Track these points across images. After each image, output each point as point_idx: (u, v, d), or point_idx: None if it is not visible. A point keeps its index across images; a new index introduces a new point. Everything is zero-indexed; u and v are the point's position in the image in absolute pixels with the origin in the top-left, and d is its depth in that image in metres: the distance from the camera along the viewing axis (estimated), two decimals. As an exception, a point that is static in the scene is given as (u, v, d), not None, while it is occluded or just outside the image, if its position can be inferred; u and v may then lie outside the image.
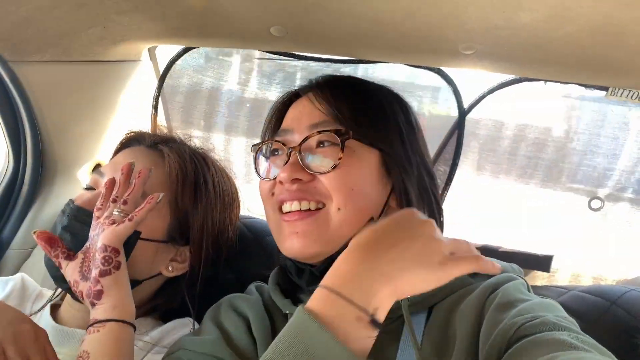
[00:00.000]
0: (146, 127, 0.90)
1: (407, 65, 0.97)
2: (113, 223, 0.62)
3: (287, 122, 0.65)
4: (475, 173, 1.14)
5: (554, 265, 0.97)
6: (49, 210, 1.06)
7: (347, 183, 0.58)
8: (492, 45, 0.72)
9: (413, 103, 0.70)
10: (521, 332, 0.46)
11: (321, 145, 0.60)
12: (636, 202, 1.06)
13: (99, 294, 0.59)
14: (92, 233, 0.64)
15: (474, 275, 0.59)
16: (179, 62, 1.21)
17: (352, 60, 1.00)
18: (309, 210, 0.58)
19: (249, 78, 1.30)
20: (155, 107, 1.23)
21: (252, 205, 0.97)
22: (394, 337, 0.55)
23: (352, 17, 0.71)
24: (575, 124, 1.06)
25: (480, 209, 1.16)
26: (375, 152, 0.60)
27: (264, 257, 0.88)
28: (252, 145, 0.67)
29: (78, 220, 0.68)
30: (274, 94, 1.26)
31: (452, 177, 1.09)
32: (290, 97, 0.68)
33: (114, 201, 0.65)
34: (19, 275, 0.83)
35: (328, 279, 0.43)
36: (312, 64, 1.08)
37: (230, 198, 0.82)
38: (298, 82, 0.97)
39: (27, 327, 0.58)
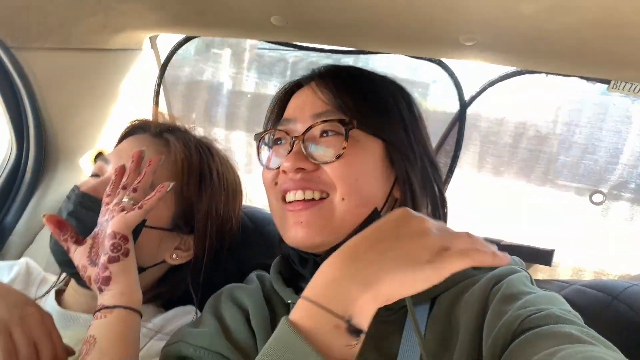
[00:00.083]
0: (147, 116, 0.90)
1: (408, 56, 0.96)
2: (122, 210, 0.62)
3: (289, 111, 0.65)
4: (475, 167, 1.14)
5: (555, 259, 0.97)
6: (52, 197, 1.07)
7: (352, 173, 0.57)
8: (493, 37, 0.72)
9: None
10: (526, 324, 0.46)
11: (325, 135, 0.59)
12: (638, 197, 1.05)
13: (107, 280, 0.60)
14: (101, 219, 0.64)
15: (476, 267, 0.58)
16: (179, 51, 1.21)
17: (353, 51, 1.00)
18: (313, 200, 0.58)
19: (250, 67, 1.30)
20: (157, 96, 1.23)
21: (253, 195, 0.97)
22: (397, 328, 0.55)
23: (352, 6, 0.71)
24: (577, 118, 1.05)
25: (480, 204, 1.16)
26: (378, 142, 0.60)
27: (264, 247, 0.88)
28: (255, 135, 0.67)
29: (84, 207, 0.68)
30: (272, 88, 1.26)
31: (453, 170, 1.09)
32: (292, 87, 0.68)
33: (124, 188, 0.65)
34: (23, 260, 0.83)
35: (308, 288, 0.41)
36: (312, 54, 1.08)
37: (234, 188, 0.83)
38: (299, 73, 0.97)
39: (33, 310, 0.58)
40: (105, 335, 0.57)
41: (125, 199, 0.64)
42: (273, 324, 0.61)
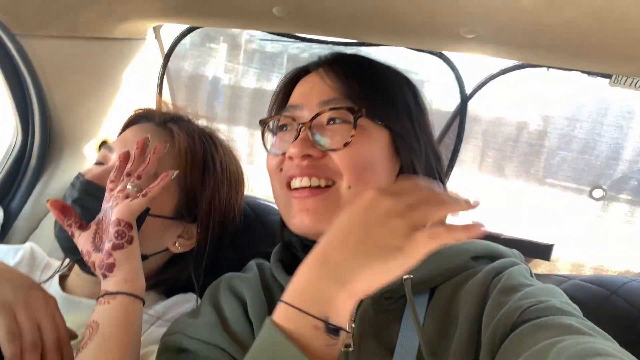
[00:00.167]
0: (151, 106, 0.91)
1: (409, 48, 0.96)
2: (127, 197, 0.63)
3: (295, 97, 0.64)
4: (475, 161, 1.14)
5: (554, 255, 0.98)
6: (56, 184, 1.08)
7: (359, 161, 0.57)
8: (493, 30, 0.72)
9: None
10: (526, 315, 0.46)
11: (332, 122, 0.59)
12: (639, 193, 1.05)
13: (111, 267, 0.60)
14: (105, 205, 0.65)
15: (476, 258, 0.59)
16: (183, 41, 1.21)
17: (354, 43, 1.00)
18: (319, 187, 0.57)
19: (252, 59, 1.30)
20: (160, 86, 1.24)
21: (255, 186, 0.98)
22: (396, 317, 0.55)
23: (353, -3, 0.71)
24: (578, 113, 1.05)
25: (479, 199, 1.15)
26: (385, 132, 0.59)
27: (266, 236, 0.89)
28: (260, 120, 0.66)
29: (88, 194, 0.69)
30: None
31: (454, 164, 1.09)
32: (298, 72, 0.67)
33: (128, 175, 0.65)
34: (28, 244, 0.84)
35: (286, 292, 0.42)
36: (314, 45, 1.08)
37: (236, 178, 0.83)
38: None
39: (38, 293, 0.59)
40: (108, 321, 0.58)
41: (129, 186, 0.64)
42: (270, 313, 0.61)
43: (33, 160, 1.05)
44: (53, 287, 0.75)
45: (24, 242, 0.93)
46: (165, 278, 0.79)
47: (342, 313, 0.41)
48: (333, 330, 0.40)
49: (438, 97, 1.07)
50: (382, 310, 0.56)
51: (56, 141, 1.07)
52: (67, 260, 0.79)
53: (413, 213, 0.40)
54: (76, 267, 0.76)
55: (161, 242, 0.75)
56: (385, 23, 0.80)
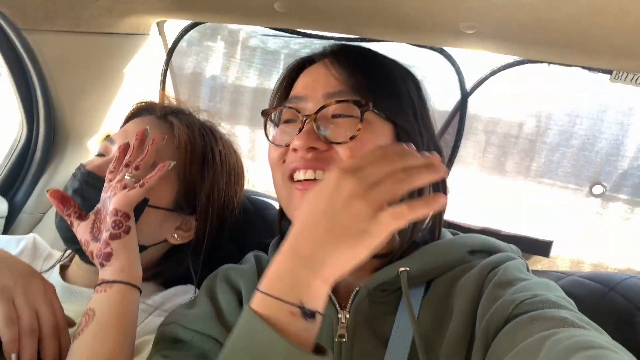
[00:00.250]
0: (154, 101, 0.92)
1: (410, 44, 0.96)
2: (125, 187, 0.64)
3: (299, 88, 0.63)
4: (475, 157, 1.13)
5: (553, 252, 0.97)
6: (60, 177, 1.09)
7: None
8: (494, 25, 0.72)
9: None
10: (521, 308, 0.46)
11: (337, 115, 0.58)
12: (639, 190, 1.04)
13: (108, 256, 0.61)
14: (103, 195, 0.66)
15: (473, 253, 0.59)
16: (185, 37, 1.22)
17: (355, 38, 1.00)
18: None
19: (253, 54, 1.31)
20: (163, 81, 1.25)
21: (256, 181, 0.98)
22: (391, 309, 0.55)
23: (354, -7, 0.71)
24: (578, 109, 1.05)
25: (478, 196, 1.15)
26: (389, 125, 0.59)
27: (265, 230, 0.90)
28: (262, 111, 0.65)
29: (88, 185, 0.70)
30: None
31: (454, 159, 1.09)
32: (303, 63, 0.66)
33: (127, 165, 0.66)
34: (31, 235, 0.86)
35: (262, 281, 0.43)
36: (315, 41, 1.09)
37: (236, 171, 0.84)
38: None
39: (37, 280, 0.60)
40: (104, 309, 0.59)
41: (127, 176, 0.65)
42: None
43: (37, 154, 1.07)
44: (54, 277, 0.77)
45: (28, 234, 0.95)
46: (164, 269, 0.80)
47: (317, 298, 0.42)
48: (309, 314, 0.41)
49: (438, 95, 1.07)
50: (378, 302, 0.56)
51: (60, 135, 1.09)
52: (69, 251, 0.81)
53: (375, 193, 0.41)
54: (76, 257, 0.77)
55: (160, 233, 0.76)
56: (386, 19, 0.80)
